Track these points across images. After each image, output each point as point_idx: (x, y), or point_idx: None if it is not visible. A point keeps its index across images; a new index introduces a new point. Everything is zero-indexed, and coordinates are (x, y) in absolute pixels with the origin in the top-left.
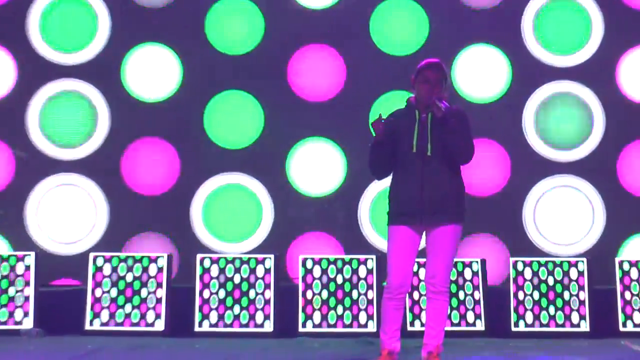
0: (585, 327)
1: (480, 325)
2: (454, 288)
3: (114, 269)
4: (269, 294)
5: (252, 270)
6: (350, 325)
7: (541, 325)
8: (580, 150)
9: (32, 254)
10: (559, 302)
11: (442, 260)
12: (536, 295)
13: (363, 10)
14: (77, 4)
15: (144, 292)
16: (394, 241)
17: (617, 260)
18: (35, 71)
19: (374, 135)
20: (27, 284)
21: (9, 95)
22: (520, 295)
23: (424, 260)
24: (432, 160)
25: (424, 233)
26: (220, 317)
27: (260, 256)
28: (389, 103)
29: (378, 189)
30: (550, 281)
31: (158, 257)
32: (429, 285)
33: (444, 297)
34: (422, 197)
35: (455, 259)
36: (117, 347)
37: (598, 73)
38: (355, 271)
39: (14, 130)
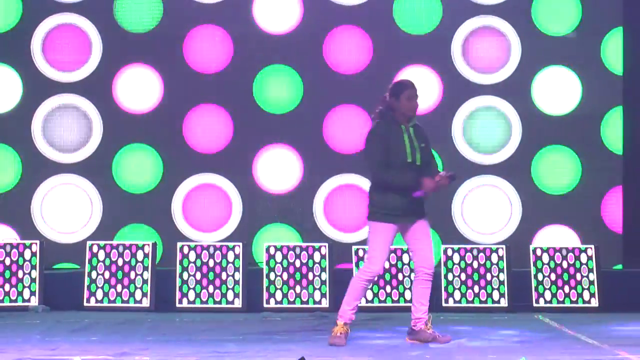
0: (504, 303)
1: None
2: (394, 271)
3: (107, 255)
4: (239, 276)
5: (224, 256)
6: (307, 302)
7: (467, 301)
8: (500, 155)
9: (38, 242)
10: (482, 282)
11: (431, 249)
12: (463, 276)
13: (317, 35)
14: (74, 31)
15: (132, 275)
16: (383, 236)
17: (530, 247)
18: (38, 87)
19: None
20: (33, 267)
21: (16, 107)
22: (450, 276)
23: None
24: (420, 168)
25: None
26: (197, 295)
27: (231, 244)
28: (340, 116)
29: (330, 187)
30: (475, 264)
31: (144, 244)
32: (427, 272)
33: (432, 279)
34: (411, 200)
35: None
36: (110, 320)
37: (516, 89)
38: (311, 256)
39: (22, 137)
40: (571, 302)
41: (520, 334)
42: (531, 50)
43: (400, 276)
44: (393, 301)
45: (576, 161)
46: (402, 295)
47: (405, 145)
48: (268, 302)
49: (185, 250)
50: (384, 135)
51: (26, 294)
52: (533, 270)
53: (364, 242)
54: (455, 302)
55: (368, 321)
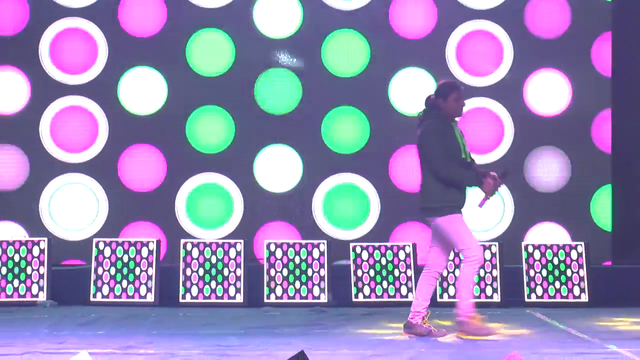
0: (497, 298)
1: (411, 297)
2: (390, 267)
3: (113, 251)
4: (240, 271)
5: (226, 252)
6: (306, 298)
7: None
8: (492, 155)
9: (46, 239)
10: (476, 278)
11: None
12: (457, 272)
13: (316, 39)
14: (81, 35)
15: (137, 271)
16: (464, 223)
17: (523, 244)
18: (45, 89)
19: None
20: (41, 264)
21: (24, 109)
22: (444, 272)
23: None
24: (469, 165)
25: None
26: (200, 290)
27: (232, 241)
28: (339, 116)
29: (327, 187)
30: None
31: (149, 241)
32: (440, 272)
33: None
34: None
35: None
36: (116, 315)
37: (508, 91)
38: (310, 253)
39: (30, 138)
40: (562, 297)
41: (513, 329)
42: (523, 53)
43: (396, 272)
44: (389, 296)
45: (567, 160)
46: (398, 290)
47: (459, 142)
48: (268, 297)
49: (189, 247)
50: (440, 133)
51: (34, 289)
52: (525, 267)
53: (361, 239)
54: (449, 297)
55: (365, 316)
